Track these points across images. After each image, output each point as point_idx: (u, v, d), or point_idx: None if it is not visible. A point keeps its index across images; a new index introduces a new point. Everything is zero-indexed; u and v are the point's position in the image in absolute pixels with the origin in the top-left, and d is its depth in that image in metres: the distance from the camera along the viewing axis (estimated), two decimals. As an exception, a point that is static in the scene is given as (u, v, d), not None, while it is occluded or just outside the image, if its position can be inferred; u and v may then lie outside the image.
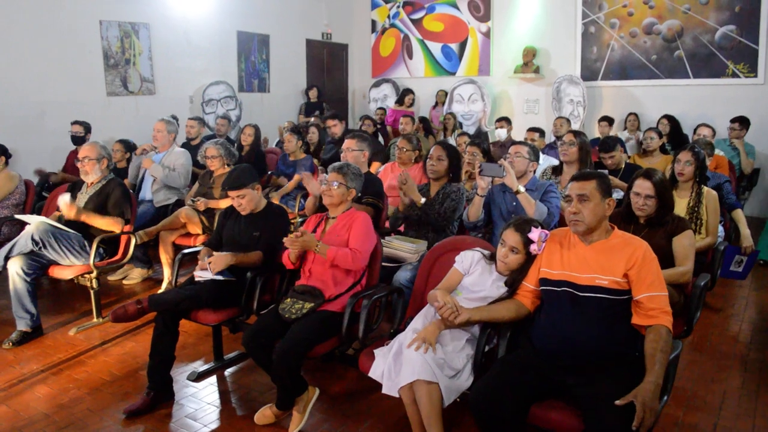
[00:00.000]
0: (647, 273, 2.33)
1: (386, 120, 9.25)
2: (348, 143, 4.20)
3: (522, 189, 3.49)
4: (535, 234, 2.57)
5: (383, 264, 3.34)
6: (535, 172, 3.81)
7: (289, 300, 2.99)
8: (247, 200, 3.39)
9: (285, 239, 2.97)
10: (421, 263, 3.11)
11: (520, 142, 3.97)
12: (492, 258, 2.76)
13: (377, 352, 2.68)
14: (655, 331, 2.26)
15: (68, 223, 4.13)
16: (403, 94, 9.36)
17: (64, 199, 3.98)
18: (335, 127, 6.89)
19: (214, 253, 3.31)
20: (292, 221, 4.85)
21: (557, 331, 2.37)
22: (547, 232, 2.60)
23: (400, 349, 2.57)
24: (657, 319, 2.29)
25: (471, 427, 2.89)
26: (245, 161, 5.64)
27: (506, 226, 2.69)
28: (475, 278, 2.74)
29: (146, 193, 5.33)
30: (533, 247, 2.57)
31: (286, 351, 2.74)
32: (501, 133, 7.14)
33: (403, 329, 2.77)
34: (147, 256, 5.24)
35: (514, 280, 2.64)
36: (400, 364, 2.50)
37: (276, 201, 5.20)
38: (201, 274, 3.26)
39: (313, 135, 6.92)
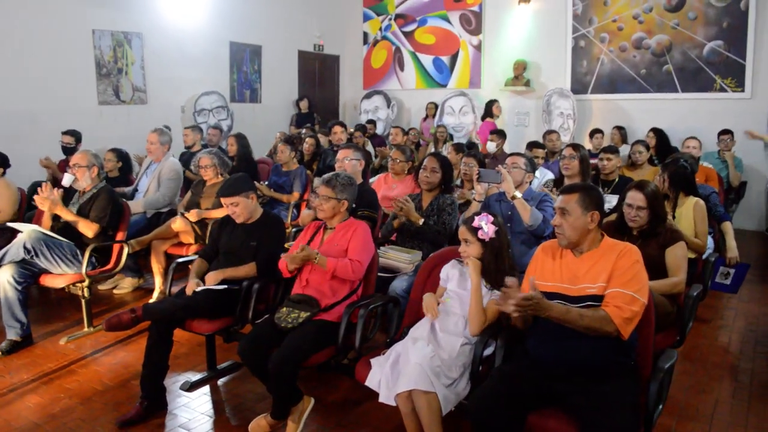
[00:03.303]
0: (623, 272, 2.33)
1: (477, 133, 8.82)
2: (344, 153, 4.24)
3: (519, 195, 3.55)
4: (477, 221, 2.74)
5: (379, 274, 3.34)
6: (531, 183, 3.86)
7: (284, 309, 2.98)
8: (240, 208, 3.39)
9: (284, 255, 2.98)
10: (418, 273, 3.12)
11: (516, 154, 4.01)
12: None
13: (374, 361, 2.68)
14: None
15: (60, 231, 4.11)
16: (490, 105, 8.84)
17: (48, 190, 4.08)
18: (342, 134, 7.04)
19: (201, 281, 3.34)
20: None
21: (552, 341, 2.38)
22: (487, 215, 2.76)
23: (397, 358, 2.58)
24: (606, 307, 2.29)
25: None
26: (235, 171, 5.63)
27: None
28: (455, 283, 2.82)
29: (139, 202, 5.30)
30: (480, 233, 2.72)
31: (282, 360, 2.73)
32: (490, 146, 7.17)
33: (399, 339, 2.78)
34: (137, 265, 5.20)
35: (491, 277, 2.70)
36: (398, 373, 2.52)
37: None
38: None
39: (310, 146, 6.91)
